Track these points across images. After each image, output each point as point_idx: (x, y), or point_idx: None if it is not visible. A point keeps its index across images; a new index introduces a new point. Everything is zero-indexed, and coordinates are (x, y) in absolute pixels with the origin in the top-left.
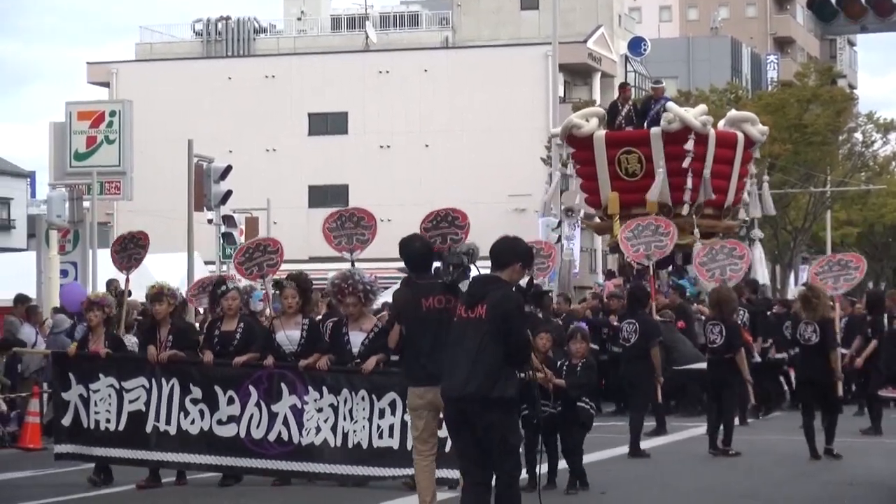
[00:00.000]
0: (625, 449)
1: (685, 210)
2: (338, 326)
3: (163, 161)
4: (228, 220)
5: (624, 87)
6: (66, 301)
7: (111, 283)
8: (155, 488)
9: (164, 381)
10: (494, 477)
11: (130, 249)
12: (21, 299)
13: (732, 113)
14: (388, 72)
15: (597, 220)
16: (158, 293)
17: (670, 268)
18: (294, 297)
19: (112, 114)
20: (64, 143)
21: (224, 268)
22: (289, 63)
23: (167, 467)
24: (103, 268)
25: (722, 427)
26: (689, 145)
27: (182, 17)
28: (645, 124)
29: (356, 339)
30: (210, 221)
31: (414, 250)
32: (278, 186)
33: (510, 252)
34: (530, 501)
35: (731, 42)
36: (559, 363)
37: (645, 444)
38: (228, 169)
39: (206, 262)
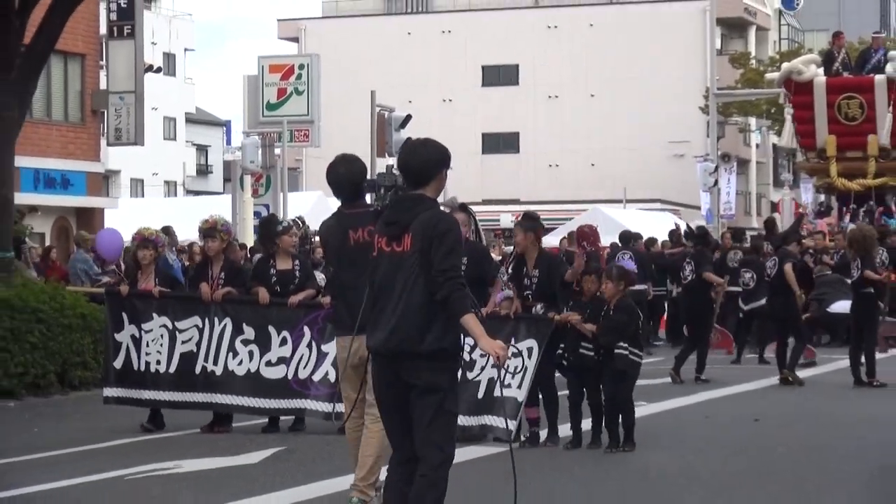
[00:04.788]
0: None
1: None
2: None
3: (347, 111)
4: None
5: (837, 35)
6: (103, 248)
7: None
8: (223, 433)
9: (216, 320)
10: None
11: None
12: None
13: None
14: (556, 26)
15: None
16: (211, 228)
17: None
18: None
19: (301, 67)
20: (257, 95)
21: None
22: (464, 19)
23: (212, 409)
24: (293, 209)
25: (864, 359)
26: None
27: None
28: (864, 72)
29: None
30: (391, 167)
31: (339, 176)
32: (454, 134)
33: (436, 157)
34: (581, 458)
35: None
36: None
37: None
38: (408, 118)
39: None
